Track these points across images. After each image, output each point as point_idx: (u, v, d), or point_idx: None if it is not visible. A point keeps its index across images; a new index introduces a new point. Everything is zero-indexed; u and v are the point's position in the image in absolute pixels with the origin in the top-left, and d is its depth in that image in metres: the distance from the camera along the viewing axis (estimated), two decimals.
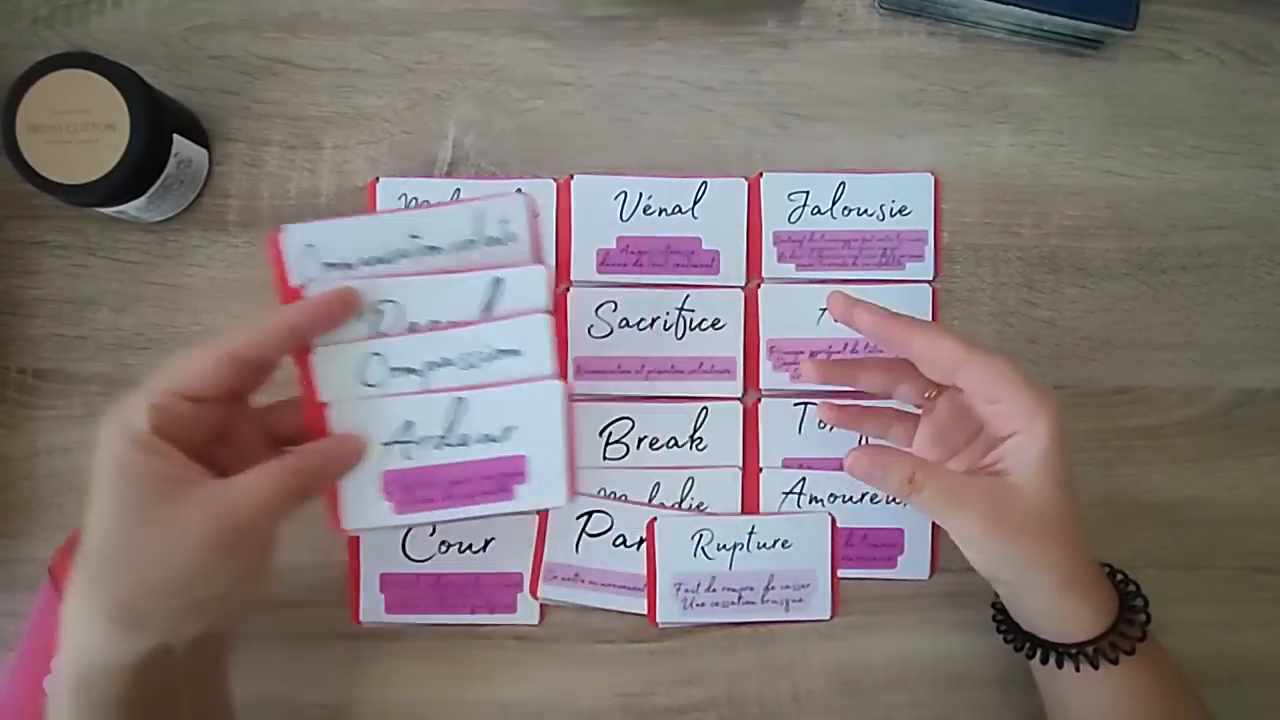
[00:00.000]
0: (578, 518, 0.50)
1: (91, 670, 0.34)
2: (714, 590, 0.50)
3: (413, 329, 0.40)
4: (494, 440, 0.41)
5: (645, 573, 0.50)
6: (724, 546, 0.50)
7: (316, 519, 0.48)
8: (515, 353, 0.40)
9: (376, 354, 0.40)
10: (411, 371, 0.40)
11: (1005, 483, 0.39)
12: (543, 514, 0.50)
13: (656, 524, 0.50)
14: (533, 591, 0.50)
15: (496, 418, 0.41)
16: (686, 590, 0.50)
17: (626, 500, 0.50)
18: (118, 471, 0.34)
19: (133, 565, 0.34)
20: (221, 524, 0.34)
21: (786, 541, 0.50)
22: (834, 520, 0.50)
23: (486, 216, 0.41)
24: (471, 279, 0.41)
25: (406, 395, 0.40)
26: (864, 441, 0.50)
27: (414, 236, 0.41)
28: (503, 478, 0.41)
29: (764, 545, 0.50)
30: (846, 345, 0.51)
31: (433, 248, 0.41)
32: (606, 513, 0.50)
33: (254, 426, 0.40)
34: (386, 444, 0.40)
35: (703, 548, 0.50)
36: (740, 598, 0.50)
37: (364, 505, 0.40)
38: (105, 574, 0.34)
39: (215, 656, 0.40)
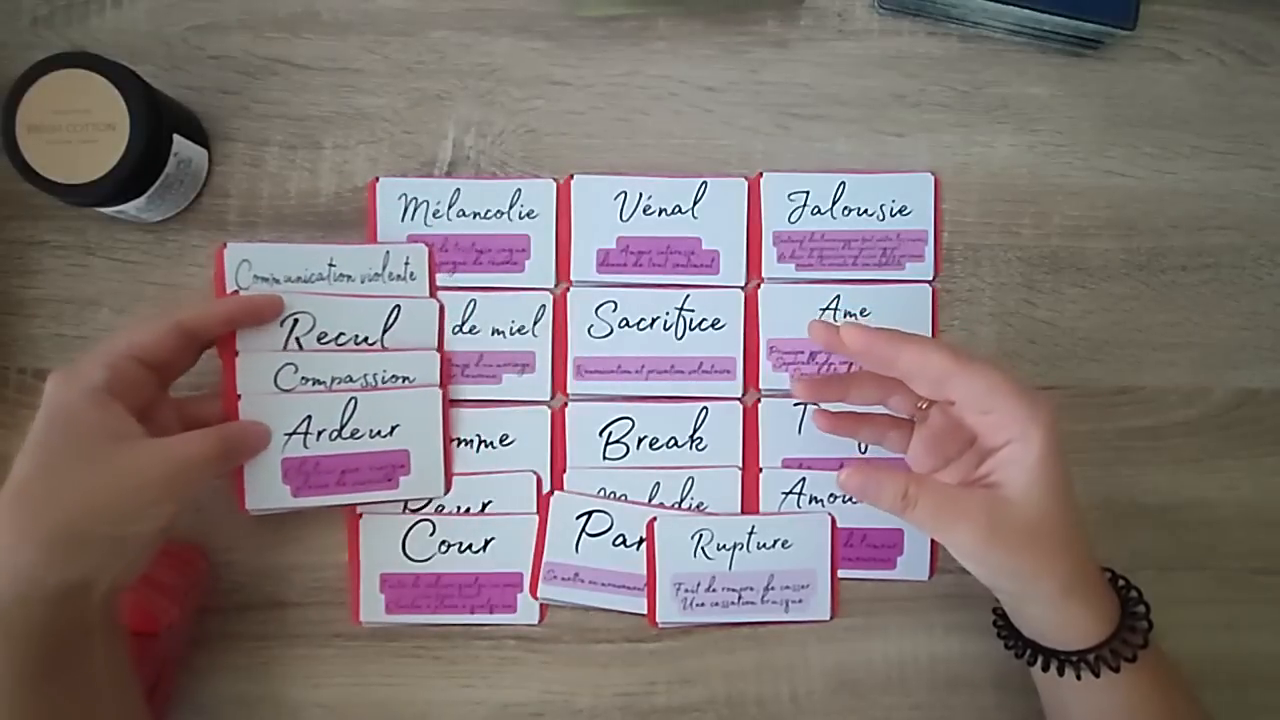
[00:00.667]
0: (577, 518, 0.50)
1: (10, 602, 0.35)
2: (714, 590, 0.50)
3: (322, 337, 0.48)
4: (382, 435, 0.47)
5: (645, 573, 0.50)
6: (724, 546, 0.50)
7: (321, 522, 0.49)
8: (408, 379, 0.48)
9: (291, 364, 0.46)
10: (319, 382, 0.47)
11: (1000, 495, 0.39)
12: (542, 514, 0.50)
13: (656, 524, 0.50)
14: (533, 591, 0.50)
15: (385, 416, 0.48)
16: (686, 590, 0.50)
17: (626, 500, 0.50)
18: (67, 421, 0.38)
19: (77, 491, 0.37)
20: (166, 467, 0.39)
21: (786, 542, 0.50)
22: (834, 520, 0.50)
23: (393, 257, 0.49)
24: (375, 302, 0.48)
25: (307, 394, 0.47)
26: (862, 448, 0.50)
27: (331, 264, 0.48)
28: (389, 469, 0.48)
29: (764, 545, 0.50)
30: None
31: (345, 275, 0.49)
32: (606, 513, 0.50)
33: (172, 412, 0.44)
34: (288, 434, 0.46)
35: (702, 548, 0.50)
36: (740, 598, 0.50)
37: (265, 488, 0.46)
38: (46, 499, 0.37)
39: (120, 627, 0.40)
